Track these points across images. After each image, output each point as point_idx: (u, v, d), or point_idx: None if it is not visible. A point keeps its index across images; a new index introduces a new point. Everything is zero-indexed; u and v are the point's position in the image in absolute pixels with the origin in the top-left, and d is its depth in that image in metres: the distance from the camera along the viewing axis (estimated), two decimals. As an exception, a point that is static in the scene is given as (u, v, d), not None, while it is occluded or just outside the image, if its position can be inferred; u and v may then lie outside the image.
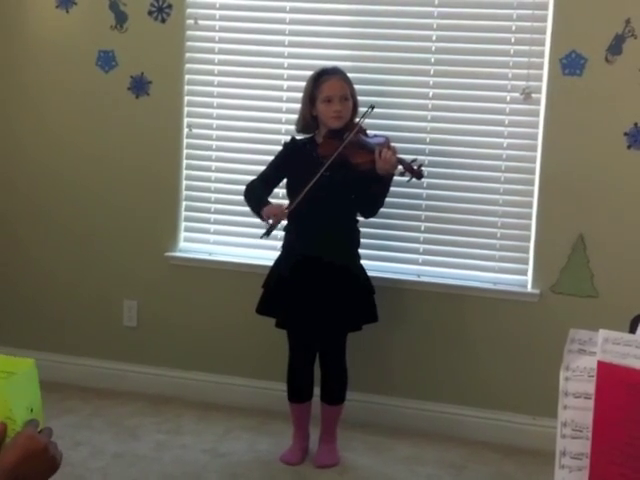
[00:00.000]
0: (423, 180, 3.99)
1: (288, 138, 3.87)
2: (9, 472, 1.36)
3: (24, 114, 4.50)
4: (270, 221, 3.64)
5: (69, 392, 4.39)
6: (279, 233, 3.95)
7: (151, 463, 3.76)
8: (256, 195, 3.79)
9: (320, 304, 3.65)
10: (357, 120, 3.74)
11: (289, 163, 3.77)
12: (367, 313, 3.78)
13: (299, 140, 3.83)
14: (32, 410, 1.47)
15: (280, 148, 3.85)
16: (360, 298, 3.75)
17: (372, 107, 3.71)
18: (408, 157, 3.70)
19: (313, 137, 3.80)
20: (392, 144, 3.68)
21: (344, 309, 3.69)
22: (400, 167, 3.66)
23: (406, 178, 3.69)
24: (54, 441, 1.45)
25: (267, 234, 3.68)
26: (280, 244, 3.89)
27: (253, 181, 3.83)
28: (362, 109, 3.75)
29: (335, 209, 3.68)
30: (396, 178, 3.76)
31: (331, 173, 3.61)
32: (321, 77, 3.70)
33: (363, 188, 3.66)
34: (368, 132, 3.76)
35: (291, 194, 3.75)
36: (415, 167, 3.66)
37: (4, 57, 4.48)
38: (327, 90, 3.67)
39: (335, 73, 3.72)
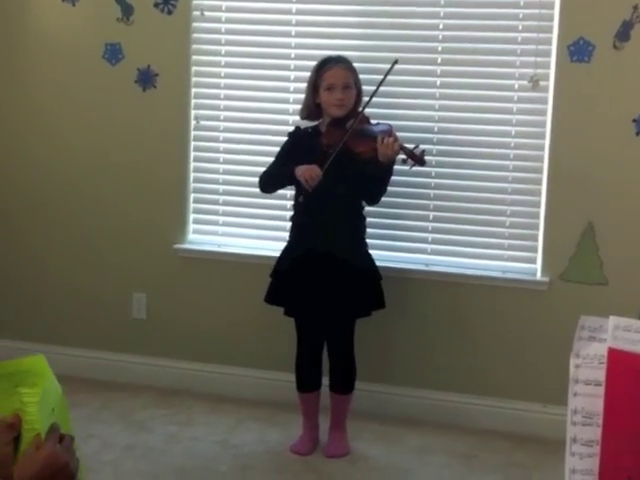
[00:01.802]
0: (431, 169, 3.99)
1: (293, 128, 3.87)
2: None
3: (31, 108, 4.50)
4: (309, 182, 3.58)
5: (79, 385, 4.40)
6: (287, 224, 3.95)
7: (162, 455, 3.77)
8: (276, 171, 3.76)
9: (327, 292, 3.66)
10: (362, 103, 3.72)
11: (295, 152, 3.75)
12: (374, 300, 3.78)
13: (303, 129, 3.83)
14: (54, 410, 1.46)
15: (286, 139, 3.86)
16: (367, 285, 3.75)
17: (395, 61, 3.69)
18: (410, 145, 3.69)
19: (317, 126, 3.80)
20: (395, 132, 3.67)
21: (351, 296, 3.69)
22: (402, 155, 3.64)
23: (409, 165, 3.68)
24: (73, 448, 1.44)
25: (309, 194, 3.60)
26: (287, 235, 3.88)
27: (265, 171, 3.82)
28: (366, 99, 3.75)
29: (340, 198, 3.68)
30: (402, 168, 3.75)
31: (335, 163, 3.60)
32: (324, 65, 3.70)
33: (364, 175, 3.65)
34: (372, 121, 3.75)
35: (298, 184, 3.75)
36: (417, 153, 3.65)
37: (11, 51, 4.48)
38: (329, 78, 3.67)
39: (338, 62, 3.72)
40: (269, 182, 3.81)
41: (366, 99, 3.74)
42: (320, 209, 3.67)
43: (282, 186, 3.85)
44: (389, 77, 3.68)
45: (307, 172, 3.60)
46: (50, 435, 1.41)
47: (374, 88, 3.69)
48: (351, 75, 3.71)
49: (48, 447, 1.39)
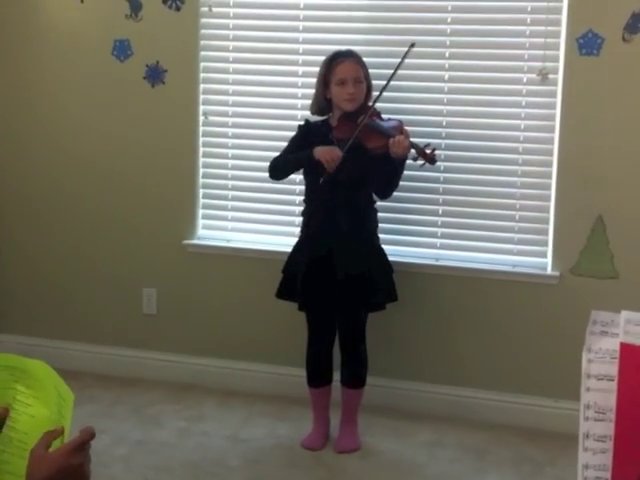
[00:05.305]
0: (440, 164, 3.98)
1: (303, 122, 3.87)
2: None
3: (41, 104, 4.51)
4: (329, 163, 3.57)
5: (90, 380, 4.41)
6: (296, 219, 3.95)
7: (173, 450, 3.78)
8: (290, 156, 3.74)
9: (340, 286, 3.66)
10: (372, 97, 3.72)
11: (305, 145, 3.74)
12: (387, 293, 3.78)
13: (313, 123, 3.83)
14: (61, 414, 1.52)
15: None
16: (380, 278, 3.75)
17: (412, 45, 3.69)
18: (421, 142, 3.69)
19: (327, 120, 3.80)
20: (406, 127, 3.68)
21: (365, 289, 3.70)
22: (413, 151, 3.65)
23: (420, 163, 3.69)
24: (90, 455, 1.47)
25: (328, 178, 3.59)
26: (297, 229, 3.89)
27: (276, 157, 3.81)
28: (376, 93, 3.75)
29: (352, 192, 3.68)
30: (411, 162, 3.75)
31: (346, 156, 3.60)
32: (335, 60, 3.70)
33: (376, 169, 3.65)
34: (382, 116, 3.75)
35: (307, 176, 3.75)
36: (428, 152, 3.66)
37: (20, 48, 4.49)
38: (340, 72, 3.66)
39: (349, 56, 3.72)
40: (282, 167, 3.78)
41: (376, 94, 3.73)
42: (332, 203, 3.67)
43: (296, 170, 3.81)
44: (398, 71, 3.68)
45: (328, 153, 3.59)
46: (78, 438, 1.44)
47: (383, 82, 3.69)
48: (361, 69, 3.71)
49: (68, 446, 1.42)
